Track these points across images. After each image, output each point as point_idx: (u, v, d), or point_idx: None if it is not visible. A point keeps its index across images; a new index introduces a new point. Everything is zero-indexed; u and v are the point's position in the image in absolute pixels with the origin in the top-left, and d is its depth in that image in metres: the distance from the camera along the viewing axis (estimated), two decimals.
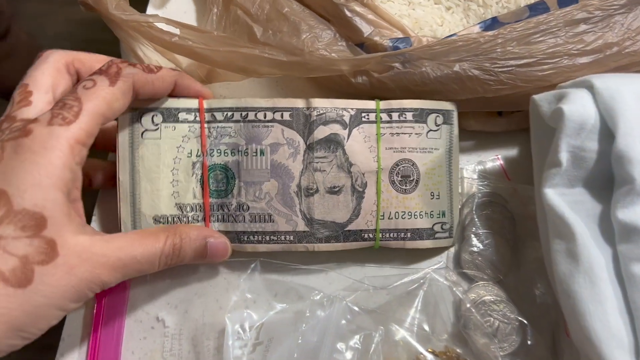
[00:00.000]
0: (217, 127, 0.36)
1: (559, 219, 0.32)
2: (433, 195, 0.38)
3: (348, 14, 0.38)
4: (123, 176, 0.35)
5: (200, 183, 0.36)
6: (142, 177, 0.35)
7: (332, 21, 0.39)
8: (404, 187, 0.37)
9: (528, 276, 0.37)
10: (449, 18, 0.43)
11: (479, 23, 0.39)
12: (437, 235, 0.38)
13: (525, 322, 0.35)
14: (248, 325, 0.35)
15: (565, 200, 0.32)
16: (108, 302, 0.36)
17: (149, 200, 0.35)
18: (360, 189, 0.37)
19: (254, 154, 0.36)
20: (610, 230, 0.31)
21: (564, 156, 0.32)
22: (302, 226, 0.36)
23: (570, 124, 0.32)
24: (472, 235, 0.38)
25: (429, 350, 0.35)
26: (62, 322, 0.36)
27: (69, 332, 0.36)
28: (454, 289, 0.36)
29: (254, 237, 0.36)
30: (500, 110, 0.41)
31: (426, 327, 0.35)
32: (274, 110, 0.36)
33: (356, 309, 0.35)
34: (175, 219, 0.35)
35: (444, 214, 0.38)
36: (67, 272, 0.27)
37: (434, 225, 0.38)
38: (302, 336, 0.34)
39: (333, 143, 0.36)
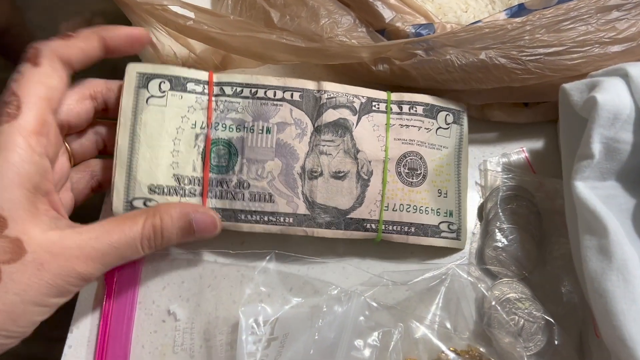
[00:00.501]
0: (225, 101, 0.35)
1: (590, 213, 0.30)
2: (440, 193, 0.37)
3: None
4: (122, 141, 0.34)
5: (202, 156, 0.35)
6: (142, 143, 0.34)
7: (352, 6, 0.38)
8: (410, 179, 0.36)
9: (554, 273, 0.36)
10: (474, 4, 0.42)
11: (505, 10, 0.38)
12: (443, 234, 0.36)
13: (551, 321, 0.34)
14: (262, 319, 0.34)
15: (597, 194, 0.31)
16: (117, 295, 0.35)
17: (146, 168, 0.34)
18: (366, 177, 0.36)
19: (260, 131, 0.35)
20: None
21: (596, 147, 0.31)
22: (302, 209, 0.35)
23: (603, 114, 0.30)
24: (497, 230, 0.36)
25: (451, 349, 0.33)
26: (70, 315, 0.35)
27: (77, 324, 0.35)
28: (477, 285, 0.35)
29: (251, 217, 0.35)
30: (526, 102, 0.40)
31: (448, 325, 0.34)
32: (285, 89, 0.35)
33: (375, 304, 0.34)
34: (171, 191, 0.34)
35: (451, 214, 0.37)
36: (38, 269, 0.27)
37: (440, 223, 0.37)
38: (319, 332, 0.33)
39: (341, 128, 0.36)
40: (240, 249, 0.37)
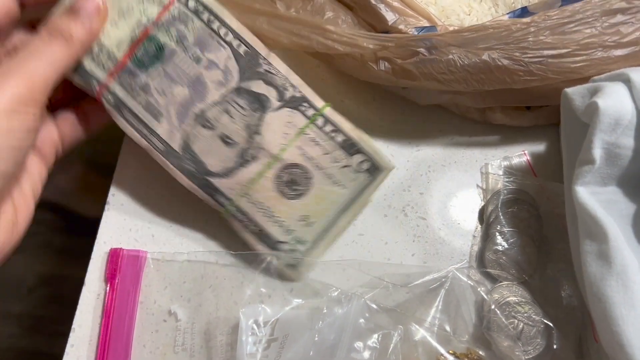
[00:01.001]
0: (183, 12, 0.34)
1: (591, 218, 0.30)
2: (306, 220, 0.36)
3: (372, 0, 0.37)
4: None
5: (130, 42, 0.34)
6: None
7: (355, 9, 0.38)
8: (284, 189, 0.35)
9: (554, 277, 0.36)
10: (477, 7, 0.42)
11: (508, 13, 0.38)
12: (281, 254, 0.36)
13: (551, 325, 0.34)
14: (263, 320, 0.34)
15: (598, 199, 0.31)
16: (119, 294, 0.35)
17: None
18: (248, 159, 0.35)
19: (191, 57, 0.34)
20: None
21: (597, 153, 0.31)
22: (177, 145, 0.35)
23: (605, 119, 0.30)
24: (497, 234, 0.36)
25: (450, 351, 0.33)
26: (73, 312, 0.36)
27: (79, 323, 0.35)
28: (477, 288, 0.35)
29: (134, 122, 0.34)
30: (528, 105, 0.40)
31: (447, 328, 0.34)
32: (237, 37, 0.35)
33: (375, 307, 0.34)
34: (91, 50, 0.33)
35: (302, 244, 0.36)
36: None
37: (284, 243, 0.36)
38: (319, 334, 0.33)
39: (259, 103, 0.35)
40: (242, 250, 0.37)
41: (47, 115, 0.34)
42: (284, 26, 0.36)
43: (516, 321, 0.34)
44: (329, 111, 0.36)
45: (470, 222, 0.38)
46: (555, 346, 0.34)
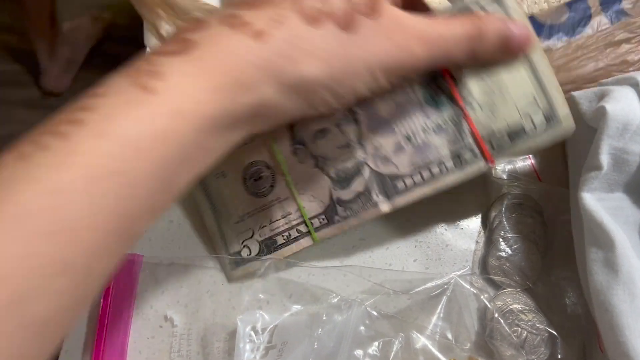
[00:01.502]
0: None
1: (597, 225, 0.30)
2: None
3: None
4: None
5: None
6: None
7: None
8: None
9: (558, 284, 0.35)
10: None
11: None
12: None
13: (555, 333, 0.33)
14: (261, 327, 0.33)
15: (604, 205, 0.30)
16: (114, 299, 0.35)
17: None
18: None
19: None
20: None
21: (604, 158, 0.30)
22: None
23: (613, 124, 0.30)
24: (500, 239, 0.36)
25: None
26: None
27: (74, 328, 0.35)
28: (480, 295, 0.35)
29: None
30: None
31: (449, 336, 0.34)
32: None
33: (375, 313, 0.34)
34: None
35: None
36: (386, 35, 0.26)
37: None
38: (318, 341, 0.32)
39: None
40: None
41: None
42: None
43: (519, 329, 0.33)
44: None
45: (474, 227, 0.38)
46: (559, 355, 0.33)
